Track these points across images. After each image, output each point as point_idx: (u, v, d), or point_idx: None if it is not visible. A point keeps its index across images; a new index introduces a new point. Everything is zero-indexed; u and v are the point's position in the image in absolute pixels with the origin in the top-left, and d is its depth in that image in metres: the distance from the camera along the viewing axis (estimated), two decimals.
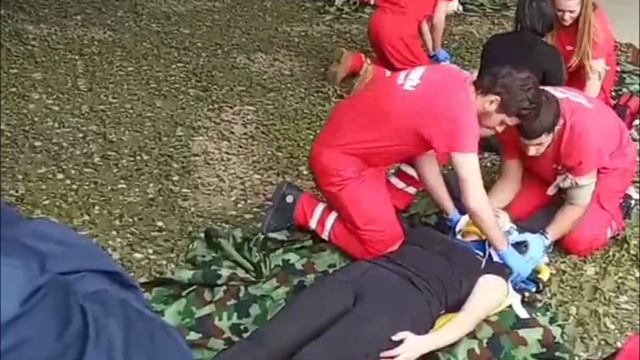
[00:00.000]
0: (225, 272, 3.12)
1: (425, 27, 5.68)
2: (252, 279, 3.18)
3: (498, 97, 3.00)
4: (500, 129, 3.14)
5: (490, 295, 2.95)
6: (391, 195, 3.42)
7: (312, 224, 3.41)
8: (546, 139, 3.21)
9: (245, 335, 2.84)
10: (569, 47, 4.38)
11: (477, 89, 3.06)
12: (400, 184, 3.57)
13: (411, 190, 3.59)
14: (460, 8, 7.03)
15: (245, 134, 4.58)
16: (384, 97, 3.25)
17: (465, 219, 3.32)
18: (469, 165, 3.00)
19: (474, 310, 2.86)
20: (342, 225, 3.35)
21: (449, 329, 2.80)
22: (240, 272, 3.19)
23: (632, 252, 3.51)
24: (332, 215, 3.38)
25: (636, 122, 4.62)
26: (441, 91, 3.09)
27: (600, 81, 4.36)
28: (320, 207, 3.43)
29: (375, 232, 3.25)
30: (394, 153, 3.28)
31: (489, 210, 3.08)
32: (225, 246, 3.31)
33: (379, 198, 3.30)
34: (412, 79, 3.17)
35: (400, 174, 3.57)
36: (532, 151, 3.25)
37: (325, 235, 3.39)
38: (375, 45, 5.34)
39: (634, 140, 4.41)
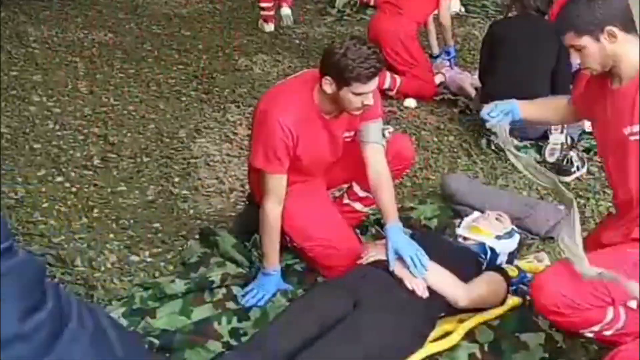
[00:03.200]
0: (216, 277, 3.10)
1: (432, 27, 5.68)
2: (245, 273, 3.17)
3: (327, 76, 2.83)
4: (367, 100, 2.84)
5: (490, 285, 2.94)
6: (340, 211, 3.33)
7: None
8: (580, 42, 2.47)
9: (244, 339, 2.83)
10: None
11: (319, 85, 2.89)
12: (346, 200, 3.39)
13: (358, 206, 3.39)
14: (462, 9, 7.03)
15: (247, 135, 4.56)
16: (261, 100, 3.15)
17: (467, 221, 3.30)
18: (262, 174, 2.96)
19: (470, 288, 2.86)
20: None
21: (442, 277, 2.82)
22: (231, 269, 3.18)
23: None
24: None
25: None
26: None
27: None
28: None
29: (317, 247, 3.08)
30: None
31: (270, 219, 2.98)
32: (221, 244, 3.31)
33: (315, 211, 3.11)
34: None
35: (350, 192, 3.39)
36: (574, 56, 2.53)
37: (290, 245, 3.24)
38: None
39: None
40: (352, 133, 3.09)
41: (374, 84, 2.84)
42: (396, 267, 2.84)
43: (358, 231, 3.47)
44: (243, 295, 3.05)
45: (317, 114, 2.95)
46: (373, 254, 2.96)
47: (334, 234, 3.11)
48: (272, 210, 2.98)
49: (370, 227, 3.53)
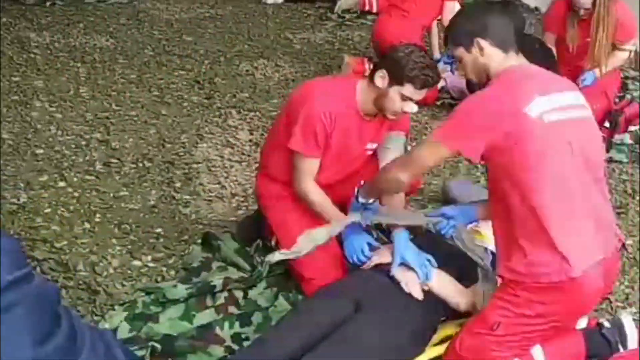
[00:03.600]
0: (218, 281, 3.10)
1: (435, 31, 5.68)
2: (246, 276, 3.18)
3: (384, 70, 2.90)
4: (407, 107, 2.92)
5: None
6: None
7: (273, 242, 3.28)
8: (456, 53, 2.74)
9: (246, 343, 2.83)
10: (588, 40, 4.63)
11: (369, 78, 2.97)
12: None
13: None
14: None
15: (248, 140, 4.57)
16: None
17: (468, 226, 3.30)
18: (296, 158, 2.99)
19: (471, 293, 2.86)
20: None
21: (444, 282, 2.84)
22: (233, 273, 3.19)
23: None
24: None
25: (633, 128, 4.65)
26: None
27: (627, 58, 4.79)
28: None
29: (300, 258, 3.02)
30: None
31: (313, 194, 3.02)
32: (223, 249, 3.32)
33: (308, 221, 3.07)
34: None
35: None
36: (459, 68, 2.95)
37: (275, 247, 3.24)
38: (377, 49, 5.33)
39: (624, 145, 4.56)
40: (374, 146, 3.14)
41: (423, 94, 2.93)
42: (397, 271, 2.85)
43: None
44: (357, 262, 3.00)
45: (355, 110, 2.99)
46: (376, 257, 2.96)
47: (321, 248, 3.01)
48: (313, 187, 3.01)
49: (372, 231, 3.53)
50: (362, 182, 2.88)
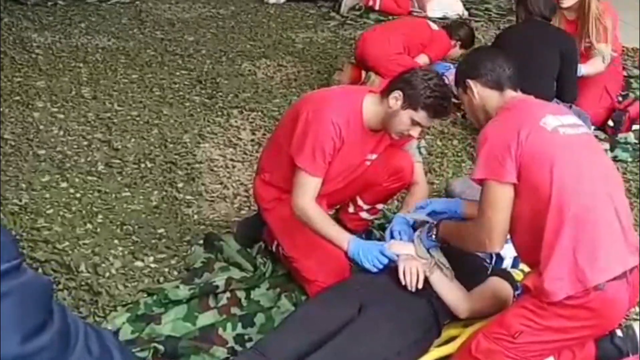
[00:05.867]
0: (220, 282, 3.10)
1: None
2: (248, 276, 3.18)
3: (400, 92, 2.86)
4: (414, 131, 2.92)
5: (495, 295, 2.92)
6: (344, 217, 3.36)
7: (273, 247, 3.27)
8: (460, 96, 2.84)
9: (249, 344, 2.82)
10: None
11: (381, 94, 2.94)
12: (351, 209, 3.37)
13: (364, 215, 3.38)
14: (466, 13, 7.03)
15: (250, 140, 4.56)
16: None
17: None
18: (300, 174, 2.91)
19: (474, 301, 2.84)
20: None
21: (447, 285, 2.80)
22: (235, 273, 3.19)
23: None
24: None
25: (636, 126, 4.64)
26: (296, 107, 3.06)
27: (605, 64, 4.63)
28: None
29: (302, 260, 3.06)
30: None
31: (312, 210, 2.91)
32: (225, 249, 3.31)
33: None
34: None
35: (355, 204, 3.35)
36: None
37: (275, 250, 3.26)
38: (362, 63, 5.18)
39: (628, 143, 4.56)
40: (374, 157, 3.12)
41: (433, 121, 2.99)
42: (400, 259, 2.83)
43: (363, 236, 3.46)
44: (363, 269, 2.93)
45: (360, 124, 2.96)
46: (396, 246, 2.91)
47: (322, 249, 3.02)
48: (310, 205, 2.91)
49: (375, 231, 3.52)
50: (435, 224, 2.86)
